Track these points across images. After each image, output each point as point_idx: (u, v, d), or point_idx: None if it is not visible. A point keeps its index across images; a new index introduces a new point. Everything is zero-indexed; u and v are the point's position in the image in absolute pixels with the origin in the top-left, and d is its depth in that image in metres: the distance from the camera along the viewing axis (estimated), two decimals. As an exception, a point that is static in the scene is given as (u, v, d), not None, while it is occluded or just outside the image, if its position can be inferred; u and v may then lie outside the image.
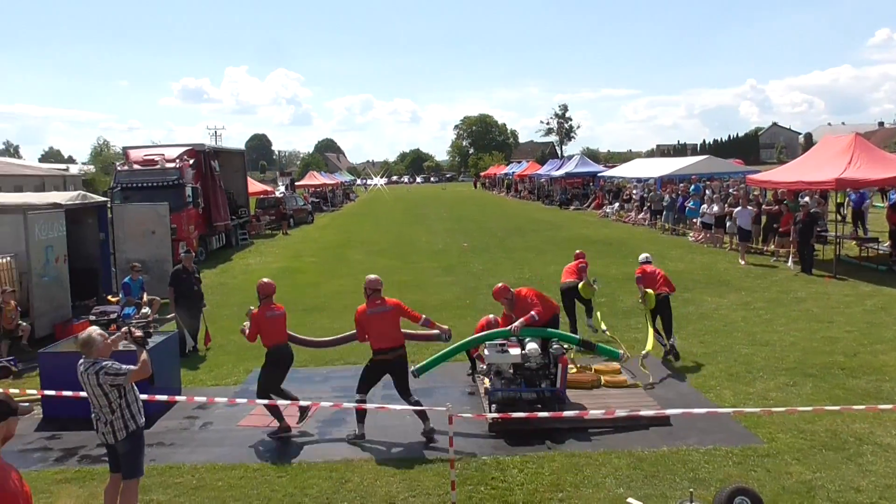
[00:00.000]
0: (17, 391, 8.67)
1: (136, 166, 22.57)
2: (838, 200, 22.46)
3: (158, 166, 22.31)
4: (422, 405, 7.67)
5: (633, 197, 33.64)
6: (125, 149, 26.29)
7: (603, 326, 10.94)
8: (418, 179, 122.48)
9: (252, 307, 8.22)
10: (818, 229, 17.89)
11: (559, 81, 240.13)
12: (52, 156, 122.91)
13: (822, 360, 9.89)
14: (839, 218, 20.70)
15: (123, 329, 6.40)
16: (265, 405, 7.91)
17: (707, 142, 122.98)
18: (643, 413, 7.55)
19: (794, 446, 7.09)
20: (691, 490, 5.88)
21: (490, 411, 7.93)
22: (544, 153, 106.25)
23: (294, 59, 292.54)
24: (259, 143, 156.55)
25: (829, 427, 7.50)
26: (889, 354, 10.01)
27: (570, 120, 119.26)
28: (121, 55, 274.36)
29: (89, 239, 15.56)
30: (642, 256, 11.18)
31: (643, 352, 9.76)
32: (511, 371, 8.10)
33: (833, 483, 6.28)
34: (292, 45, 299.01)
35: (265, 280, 8.41)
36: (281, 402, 7.80)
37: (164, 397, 7.57)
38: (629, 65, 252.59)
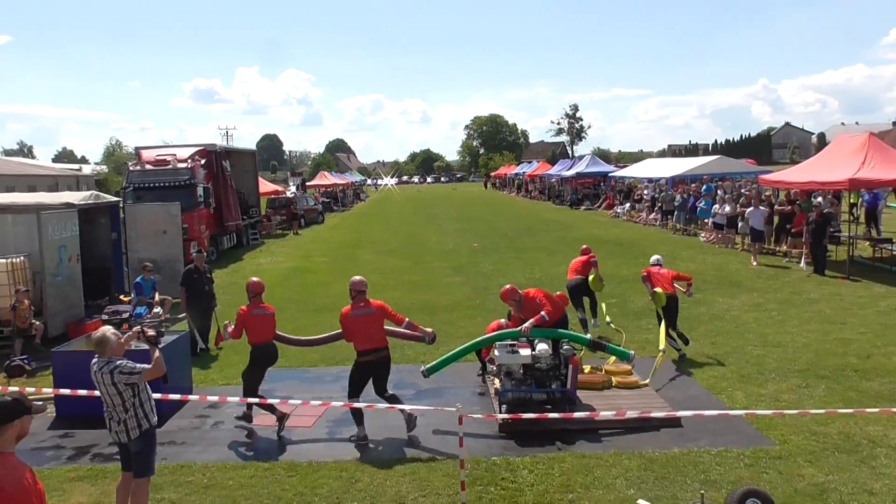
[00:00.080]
0: (32, 389, 8.74)
1: (148, 166, 22.69)
2: (852, 201, 22.27)
3: (170, 166, 22.42)
4: (397, 400, 7.77)
5: (644, 197, 33.51)
6: (137, 149, 26.45)
7: (608, 318, 10.97)
8: (429, 179, 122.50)
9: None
10: (831, 230, 17.76)
11: (570, 81, 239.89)
12: (65, 156, 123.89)
13: (835, 361, 9.81)
14: (852, 218, 20.52)
15: (136, 328, 6.44)
16: (257, 404, 7.99)
17: (719, 142, 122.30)
18: (654, 414, 7.51)
19: (807, 448, 7.03)
20: (702, 492, 5.85)
21: (500, 412, 7.92)
22: (555, 153, 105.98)
23: (305, 59, 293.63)
24: (270, 144, 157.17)
25: (842, 429, 7.44)
26: (903, 356, 9.93)
27: (581, 120, 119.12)
28: (133, 56, 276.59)
29: (102, 239, 15.65)
30: (653, 258, 11.20)
31: (660, 349, 9.67)
32: (521, 372, 8.08)
33: (846, 486, 6.23)
34: (303, 46, 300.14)
35: (254, 279, 8.55)
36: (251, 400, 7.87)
37: (176, 396, 7.60)
38: (640, 64, 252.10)
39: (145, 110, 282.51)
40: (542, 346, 8.10)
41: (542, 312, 8.41)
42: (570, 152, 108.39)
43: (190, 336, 10.53)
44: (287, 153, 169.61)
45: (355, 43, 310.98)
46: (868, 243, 19.14)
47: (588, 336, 9.40)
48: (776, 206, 21.13)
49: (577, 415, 7.28)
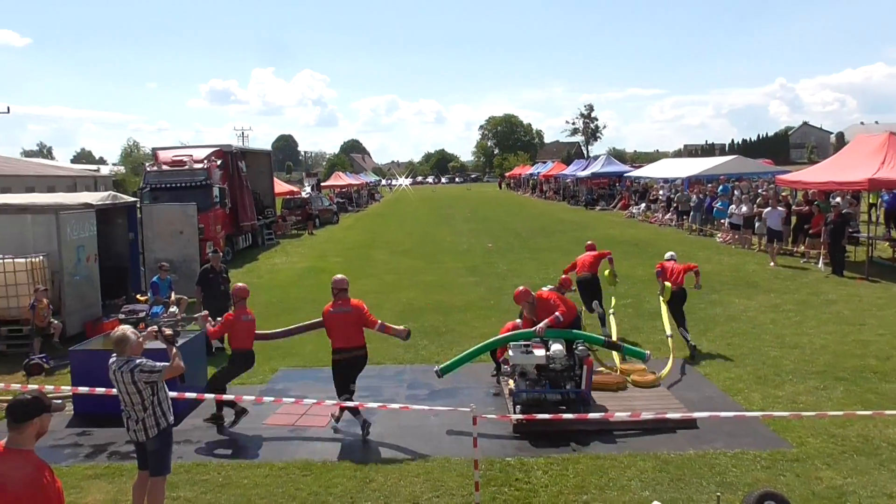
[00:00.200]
0: (51, 388, 8.84)
1: (164, 167, 22.87)
2: (871, 201, 21.99)
3: (187, 167, 22.59)
4: (352, 400, 7.86)
5: (660, 197, 33.33)
6: (154, 150, 26.64)
7: (611, 309, 11.16)
8: (443, 180, 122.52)
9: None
10: (850, 230, 17.57)
11: (585, 81, 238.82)
12: (83, 157, 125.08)
13: (853, 363, 9.70)
14: (872, 219, 20.29)
15: (151, 328, 6.50)
16: (215, 398, 8.05)
17: (735, 142, 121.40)
18: (669, 416, 7.47)
19: (825, 451, 6.96)
20: (718, 494, 5.81)
21: (514, 412, 7.91)
22: (570, 153, 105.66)
23: (320, 60, 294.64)
24: (285, 144, 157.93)
25: (860, 432, 7.35)
26: (923, 358, 9.80)
27: (596, 120, 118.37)
28: (150, 58, 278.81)
29: (119, 238, 15.79)
30: (668, 254, 11.61)
31: (667, 334, 10.25)
32: (535, 372, 8.06)
33: (865, 489, 6.16)
34: (318, 47, 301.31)
35: (240, 284, 8.76)
36: (225, 397, 7.98)
37: (192, 395, 7.65)
38: (656, 64, 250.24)
39: (162, 111, 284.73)
40: (556, 347, 8.08)
41: (557, 313, 8.40)
42: (585, 152, 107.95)
43: (205, 335, 10.58)
44: (302, 154, 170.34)
45: (370, 44, 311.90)
46: (888, 244, 18.92)
47: (603, 336, 9.37)
48: (794, 207, 20.93)
49: (591, 416, 7.25)
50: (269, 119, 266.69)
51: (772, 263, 18.09)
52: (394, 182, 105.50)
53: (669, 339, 10.17)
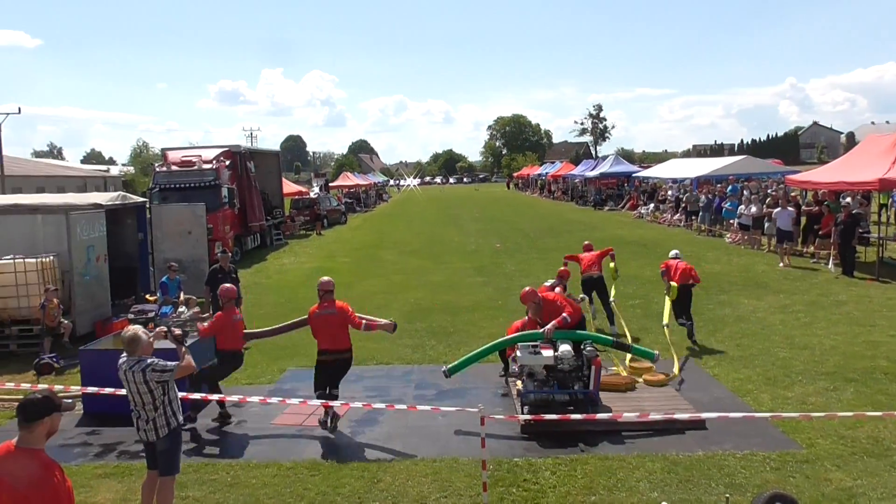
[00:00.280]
0: (60, 387, 8.90)
1: (174, 167, 22.98)
2: (881, 201, 21.87)
3: (196, 167, 22.68)
4: (336, 398, 7.97)
5: (669, 198, 33.21)
6: (164, 150, 26.79)
7: (612, 297, 11.80)
8: (451, 180, 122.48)
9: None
10: (860, 230, 17.45)
11: (594, 81, 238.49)
12: (93, 157, 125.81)
13: (863, 364, 9.64)
14: (883, 219, 20.16)
15: (160, 328, 6.53)
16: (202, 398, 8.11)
17: (745, 142, 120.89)
18: (678, 416, 7.44)
19: (835, 452, 6.92)
20: (727, 495, 5.78)
21: (522, 413, 7.89)
22: (578, 153, 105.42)
23: (329, 60, 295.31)
24: (294, 145, 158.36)
25: (871, 433, 7.31)
26: (935, 359, 9.73)
27: (605, 120, 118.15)
28: (160, 59, 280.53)
29: (128, 239, 15.85)
30: (672, 252, 11.93)
31: (664, 323, 10.74)
32: (544, 373, 8.04)
33: (875, 491, 6.12)
34: (327, 47, 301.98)
35: (227, 285, 8.85)
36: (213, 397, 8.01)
37: (198, 396, 7.68)
38: (665, 64, 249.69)
39: (171, 112, 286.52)
40: (564, 348, 8.06)
41: (564, 314, 8.39)
42: (593, 153, 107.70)
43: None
44: (311, 154, 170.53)
45: (378, 44, 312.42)
46: (898, 244, 18.79)
47: (611, 337, 9.35)
48: (803, 207, 20.82)
49: (599, 416, 7.24)
50: (277, 119, 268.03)
51: (781, 264, 17.99)
52: (402, 182, 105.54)
53: (666, 328, 10.62)
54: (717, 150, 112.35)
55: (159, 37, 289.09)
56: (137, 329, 5.72)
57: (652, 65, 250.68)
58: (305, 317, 8.42)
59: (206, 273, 12.71)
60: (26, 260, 12.05)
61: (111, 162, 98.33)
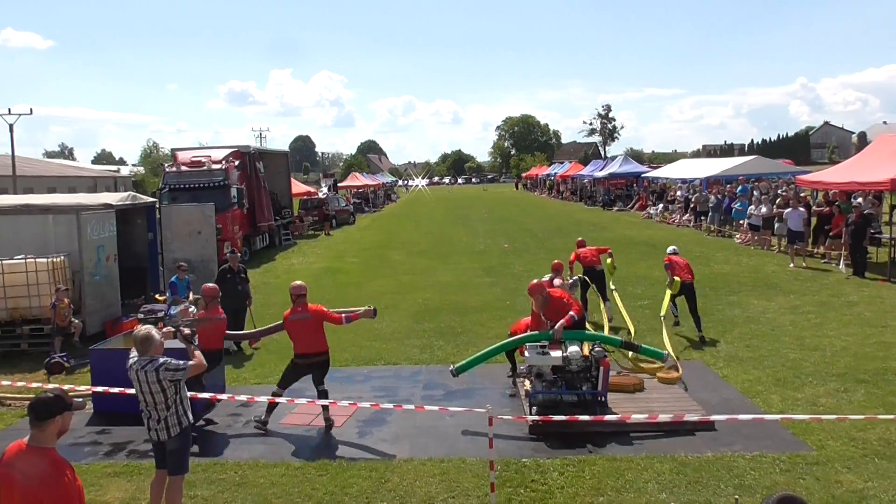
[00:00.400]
0: (70, 386, 8.94)
1: (183, 168, 23.08)
2: (893, 202, 21.69)
3: (205, 168, 22.77)
4: (325, 396, 8.02)
5: (678, 198, 33.09)
6: (173, 150, 26.91)
7: (612, 286, 12.29)
8: (459, 180, 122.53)
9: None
10: (872, 231, 17.33)
11: (603, 81, 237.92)
12: (104, 157, 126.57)
13: (875, 365, 9.57)
14: (894, 220, 19.98)
15: (168, 328, 6.56)
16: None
17: (755, 142, 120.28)
18: (687, 418, 7.41)
19: (845, 454, 6.87)
20: (736, 497, 5.74)
21: (530, 413, 7.88)
22: (587, 154, 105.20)
23: (338, 61, 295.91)
24: (303, 145, 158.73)
25: (882, 435, 7.25)
26: (947, 361, 9.64)
27: (614, 120, 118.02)
28: (170, 60, 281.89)
29: (138, 239, 15.94)
30: (670, 248, 12.43)
31: (661, 315, 11.05)
32: (552, 373, 8.03)
33: (886, 493, 6.07)
34: (336, 48, 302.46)
35: (209, 284, 8.97)
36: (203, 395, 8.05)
37: (206, 395, 7.70)
38: (675, 64, 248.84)
39: (181, 112, 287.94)
40: (573, 349, 8.04)
41: (571, 312, 8.38)
42: (602, 153, 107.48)
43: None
44: (319, 154, 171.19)
45: (388, 44, 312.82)
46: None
47: (619, 337, 9.33)
48: (814, 208, 20.69)
49: (608, 417, 7.22)
50: (286, 120, 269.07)
51: (791, 265, 17.89)
52: (410, 183, 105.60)
53: (662, 318, 10.93)
54: (727, 151, 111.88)
55: (169, 38, 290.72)
56: (150, 329, 5.74)
57: (661, 65, 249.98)
58: (280, 322, 8.46)
59: (216, 273, 12.76)
60: (37, 260, 12.13)
61: (121, 162, 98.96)
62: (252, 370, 10.70)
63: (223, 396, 7.96)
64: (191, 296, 13.54)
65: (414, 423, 8.11)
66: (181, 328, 7.65)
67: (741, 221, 23.90)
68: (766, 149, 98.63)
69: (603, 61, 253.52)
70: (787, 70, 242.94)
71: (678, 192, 33.81)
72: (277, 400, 8.12)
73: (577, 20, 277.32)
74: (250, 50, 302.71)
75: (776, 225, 20.24)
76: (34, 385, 8.69)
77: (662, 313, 11.16)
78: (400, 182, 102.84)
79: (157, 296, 14.84)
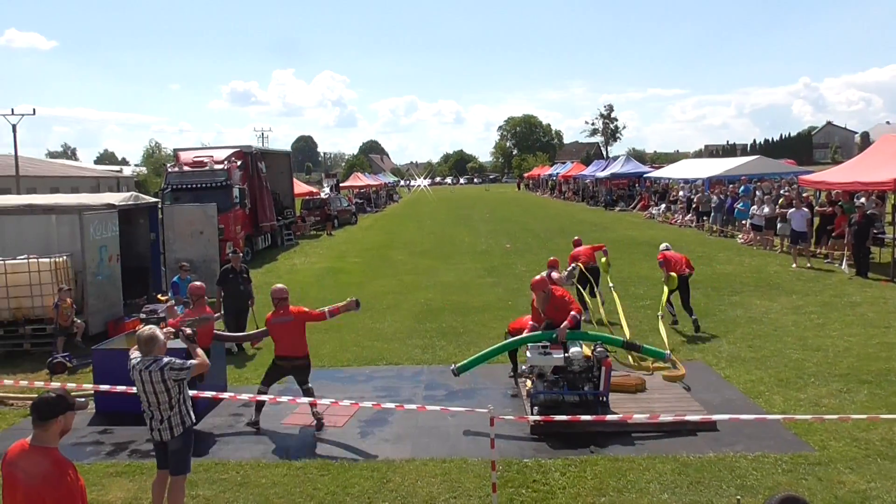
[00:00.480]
0: (73, 386, 8.94)
1: (185, 168, 23.09)
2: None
3: (207, 168, 22.78)
4: (311, 394, 8.09)
5: (680, 198, 33.05)
6: (176, 151, 26.91)
7: (610, 284, 12.42)
8: (462, 180, 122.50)
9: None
10: (875, 231, 17.29)
11: (605, 81, 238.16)
12: (106, 158, 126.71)
13: (877, 366, 9.55)
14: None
15: (168, 328, 6.56)
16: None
17: (758, 142, 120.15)
18: (689, 418, 7.40)
19: (848, 455, 6.86)
20: (738, 497, 5.75)
21: (532, 414, 7.88)
22: (589, 154, 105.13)
23: (340, 61, 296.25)
24: (305, 145, 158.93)
25: (884, 436, 7.24)
26: (950, 362, 9.62)
27: (616, 120, 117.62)
28: (173, 60, 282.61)
29: (141, 239, 15.95)
30: (663, 245, 12.62)
31: (659, 314, 11.12)
32: (554, 374, 8.02)
33: (889, 493, 6.06)
34: (338, 48, 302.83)
35: (196, 283, 9.04)
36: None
37: (209, 394, 7.71)
38: (677, 64, 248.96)
39: (184, 113, 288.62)
40: (575, 349, 8.04)
41: (573, 312, 8.39)
42: (604, 153, 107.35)
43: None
44: (321, 154, 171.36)
45: (390, 45, 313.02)
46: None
47: (621, 338, 9.33)
48: (816, 208, 20.65)
49: (609, 417, 7.22)
50: (289, 120, 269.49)
51: (794, 265, 17.86)
52: (412, 183, 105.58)
53: (660, 317, 11.01)
54: (729, 151, 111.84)
55: (172, 38, 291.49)
56: (154, 328, 5.75)
57: (664, 65, 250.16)
58: (266, 328, 8.52)
59: (218, 273, 12.77)
60: (40, 260, 12.15)
61: (124, 162, 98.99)
62: (254, 370, 10.69)
63: (225, 396, 7.97)
64: (193, 296, 13.55)
65: (416, 423, 8.11)
66: (182, 328, 7.66)
67: (743, 222, 23.87)
68: (768, 149, 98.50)
69: (605, 61, 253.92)
70: (790, 70, 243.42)
71: (680, 193, 33.76)
72: (279, 399, 8.12)
73: (579, 20, 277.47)
74: (253, 50, 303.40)
75: (779, 225, 20.21)
76: (37, 385, 8.70)
77: (660, 312, 11.24)
78: (402, 182, 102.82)
79: (159, 296, 14.84)
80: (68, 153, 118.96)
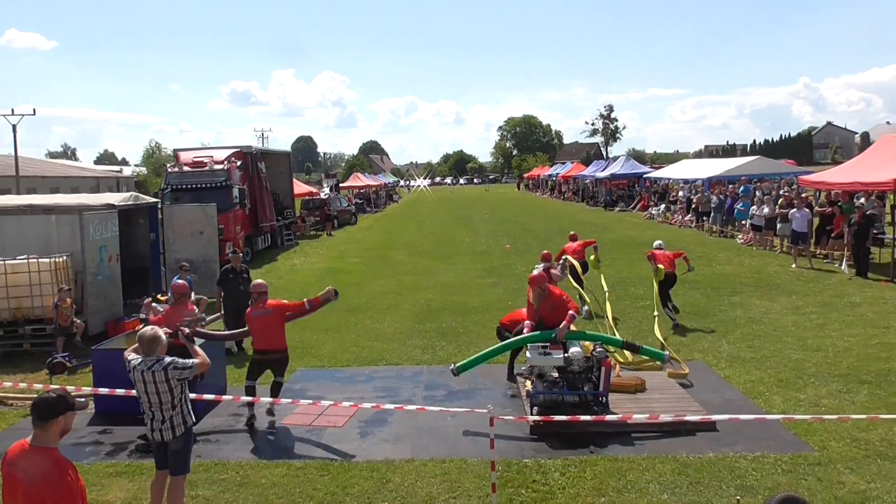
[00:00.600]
0: (72, 388, 8.95)
1: (185, 168, 23.09)
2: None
3: (207, 168, 22.79)
4: (277, 389, 8.25)
5: (680, 198, 33.05)
6: (176, 151, 26.92)
7: (605, 288, 12.26)
8: (461, 181, 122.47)
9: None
10: (875, 231, 17.29)
11: (605, 82, 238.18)
12: (106, 158, 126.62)
13: (877, 366, 9.55)
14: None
15: (166, 328, 6.56)
16: None
17: (758, 142, 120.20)
18: (688, 418, 7.40)
19: (848, 455, 6.86)
20: (738, 498, 5.74)
21: (532, 414, 7.88)
22: (589, 154, 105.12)
23: (340, 61, 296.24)
24: (305, 146, 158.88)
25: (884, 436, 7.24)
26: (950, 362, 9.62)
27: (616, 121, 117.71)
28: (173, 60, 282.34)
29: (141, 239, 15.94)
30: (656, 243, 13.16)
31: (655, 314, 11.30)
32: (553, 374, 8.03)
33: (889, 494, 6.06)
34: (339, 48, 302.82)
35: (179, 281, 9.10)
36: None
37: (210, 396, 7.71)
38: (677, 64, 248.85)
39: (184, 113, 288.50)
40: (575, 350, 8.04)
41: (571, 311, 8.41)
42: (604, 153, 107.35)
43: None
44: (321, 155, 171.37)
45: (390, 45, 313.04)
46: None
47: (621, 338, 9.34)
48: (816, 208, 20.65)
49: (609, 418, 7.22)
50: (289, 120, 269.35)
51: (794, 265, 17.86)
52: (412, 183, 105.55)
53: (656, 317, 11.20)
54: (729, 151, 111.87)
55: (172, 39, 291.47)
56: (157, 329, 5.75)
57: (664, 65, 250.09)
58: (247, 328, 8.57)
59: (218, 273, 12.76)
60: (40, 260, 12.14)
61: (124, 163, 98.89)
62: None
63: (227, 397, 7.97)
64: (193, 296, 13.55)
65: (415, 423, 8.10)
66: (181, 328, 7.67)
67: (743, 222, 23.88)
68: (768, 149, 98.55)
69: (605, 61, 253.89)
70: (790, 70, 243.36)
71: (680, 193, 33.77)
72: (281, 400, 8.12)
73: (579, 20, 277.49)
74: (253, 50, 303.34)
75: (779, 225, 20.21)
76: (36, 385, 8.70)
77: (656, 313, 11.33)
78: (402, 182, 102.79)
79: (158, 296, 14.84)
80: (68, 153, 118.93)
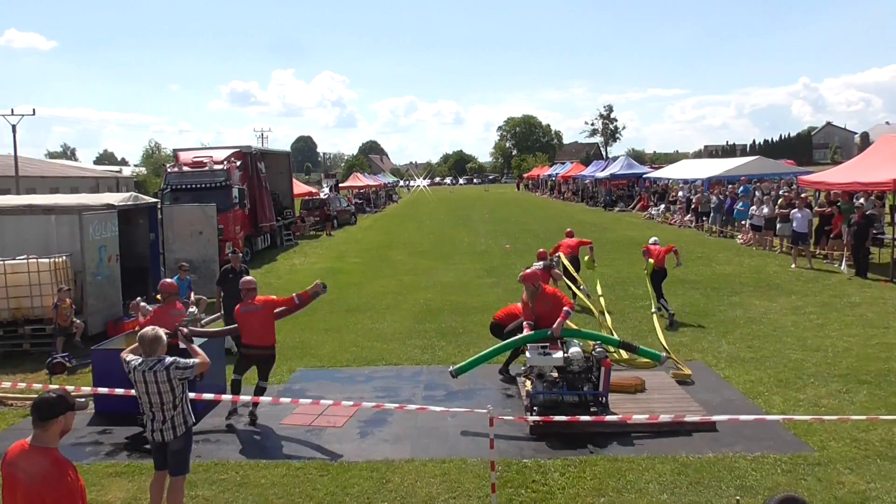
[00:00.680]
0: (72, 388, 8.94)
1: (185, 168, 23.08)
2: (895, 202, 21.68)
3: (207, 168, 22.78)
4: (264, 391, 8.34)
5: (679, 198, 33.05)
6: (175, 151, 26.91)
7: (599, 290, 12.54)
8: (461, 181, 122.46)
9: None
10: (874, 232, 17.29)
11: (605, 82, 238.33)
12: (106, 158, 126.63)
13: (877, 366, 9.56)
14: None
15: (164, 328, 6.55)
16: None
17: (757, 142, 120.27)
18: (688, 418, 7.40)
19: (848, 455, 6.86)
20: (738, 498, 5.74)
21: (531, 414, 7.88)
22: (589, 154, 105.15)
23: (340, 61, 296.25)
24: (304, 146, 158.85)
25: (884, 436, 7.24)
26: (949, 362, 9.62)
27: (616, 121, 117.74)
28: (172, 60, 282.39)
29: (140, 239, 15.93)
30: (651, 239, 13.44)
31: (652, 310, 11.61)
32: (553, 374, 8.03)
33: (889, 494, 6.06)
34: (338, 48, 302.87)
35: (167, 280, 9.16)
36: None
37: (210, 396, 7.70)
38: (677, 64, 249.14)
39: (184, 113, 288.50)
40: (574, 350, 8.05)
41: (566, 308, 8.43)
42: (604, 153, 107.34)
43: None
44: (321, 155, 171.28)
45: (390, 45, 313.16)
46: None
47: (618, 338, 9.35)
48: (815, 208, 20.66)
49: (609, 418, 7.22)
50: (288, 120, 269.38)
51: (793, 265, 17.86)
52: (412, 183, 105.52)
53: (654, 314, 11.40)
54: (728, 151, 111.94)
55: (172, 39, 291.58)
56: (158, 329, 5.74)
57: (664, 65, 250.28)
58: (236, 325, 8.60)
59: (217, 273, 12.75)
60: (40, 260, 12.13)
61: (123, 163, 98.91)
62: (254, 370, 10.66)
63: (226, 397, 7.96)
64: (192, 296, 13.55)
65: (415, 423, 8.10)
66: (180, 328, 7.67)
67: (743, 222, 23.89)
68: (768, 149, 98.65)
69: (605, 62, 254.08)
70: (790, 70, 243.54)
71: (680, 193, 33.76)
72: (280, 400, 8.11)
73: (579, 20, 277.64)
74: (252, 50, 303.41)
75: (778, 225, 20.21)
76: (36, 385, 8.69)
77: (653, 309, 11.63)
78: (401, 182, 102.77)
79: (158, 296, 14.82)
80: (68, 153, 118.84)
